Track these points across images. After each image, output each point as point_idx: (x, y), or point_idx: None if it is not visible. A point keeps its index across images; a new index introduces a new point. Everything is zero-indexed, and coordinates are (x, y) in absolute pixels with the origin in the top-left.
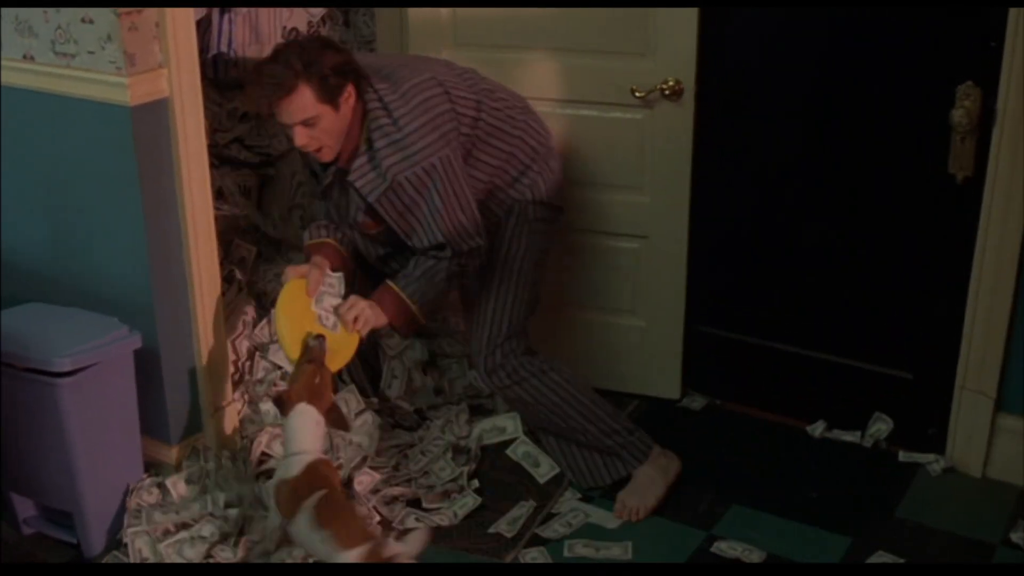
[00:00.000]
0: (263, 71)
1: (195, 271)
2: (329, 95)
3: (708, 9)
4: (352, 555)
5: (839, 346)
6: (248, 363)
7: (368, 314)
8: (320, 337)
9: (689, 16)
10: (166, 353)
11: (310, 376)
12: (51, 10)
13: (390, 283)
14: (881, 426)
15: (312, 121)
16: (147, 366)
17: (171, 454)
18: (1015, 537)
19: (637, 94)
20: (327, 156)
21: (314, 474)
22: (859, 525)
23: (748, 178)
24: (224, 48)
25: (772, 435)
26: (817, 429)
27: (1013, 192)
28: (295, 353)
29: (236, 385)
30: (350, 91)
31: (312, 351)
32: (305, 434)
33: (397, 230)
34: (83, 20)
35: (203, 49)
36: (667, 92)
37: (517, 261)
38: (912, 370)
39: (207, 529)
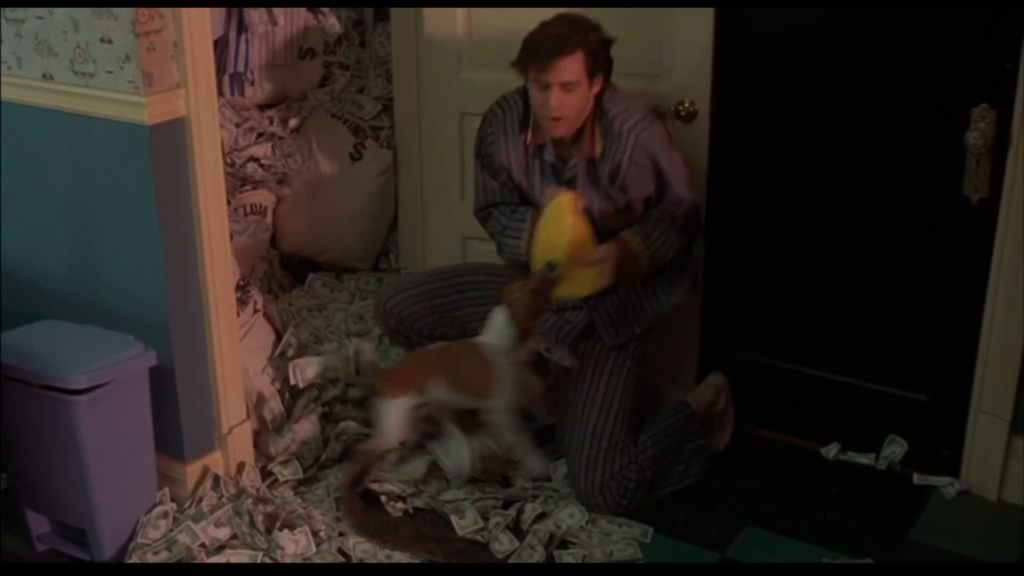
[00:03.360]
0: (547, 28)
1: (211, 290)
2: (592, 69)
3: (723, 31)
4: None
5: (854, 367)
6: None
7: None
8: (552, 266)
9: (704, 38)
10: (181, 371)
11: (521, 293)
12: (70, 29)
13: (626, 235)
14: (896, 448)
15: (572, 87)
16: (162, 384)
17: (185, 472)
18: None
19: None
20: (563, 130)
21: (461, 347)
22: (873, 547)
23: (762, 200)
24: (241, 68)
25: (786, 456)
26: (831, 451)
27: None
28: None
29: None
30: (601, 79)
31: (539, 274)
32: (490, 329)
33: (639, 197)
34: (102, 40)
35: (220, 69)
36: (682, 113)
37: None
38: (927, 392)
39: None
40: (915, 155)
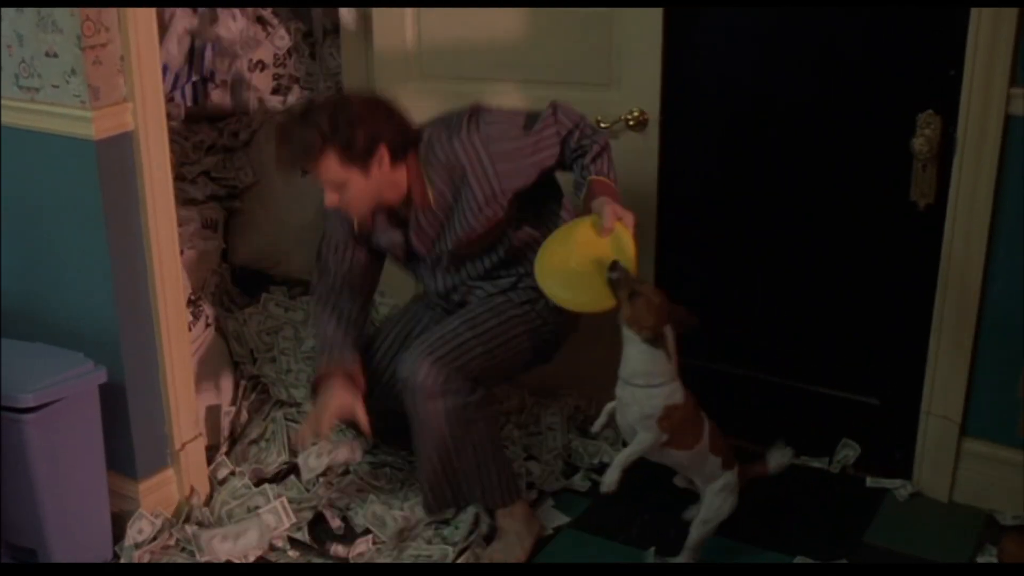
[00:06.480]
0: (290, 133)
1: (161, 305)
2: (357, 160)
3: (673, 40)
4: (731, 474)
5: (805, 373)
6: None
7: (614, 205)
8: (613, 264)
9: (653, 47)
10: (132, 387)
11: (637, 304)
12: (15, 43)
13: (591, 177)
14: (848, 452)
15: (338, 186)
16: (113, 401)
17: (137, 490)
18: (981, 561)
19: (602, 125)
20: (360, 214)
21: (691, 398)
22: (827, 551)
23: (713, 206)
24: (193, 80)
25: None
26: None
27: (974, 218)
28: (611, 299)
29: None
30: (383, 154)
31: (620, 280)
32: (663, 360)
33: (543, 165)
34: (47, 54)
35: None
36: (632, 122)
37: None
38: (878, 396)
39: None
40: (863, 161)
